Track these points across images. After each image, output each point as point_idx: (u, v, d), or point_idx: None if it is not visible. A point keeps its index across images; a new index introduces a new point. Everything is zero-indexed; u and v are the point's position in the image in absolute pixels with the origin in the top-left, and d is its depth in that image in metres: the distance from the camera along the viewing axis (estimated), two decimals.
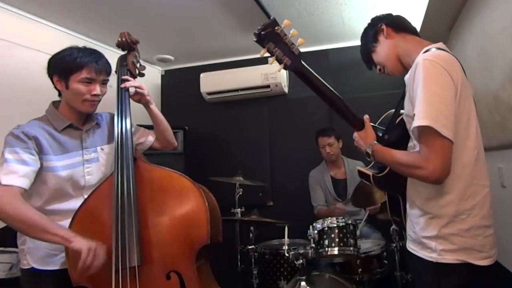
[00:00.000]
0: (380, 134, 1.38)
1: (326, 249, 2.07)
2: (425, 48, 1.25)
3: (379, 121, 1.47)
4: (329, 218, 2.15)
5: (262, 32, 1.21)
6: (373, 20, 1.45)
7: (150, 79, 3.83)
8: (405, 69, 1.36)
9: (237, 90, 3.52)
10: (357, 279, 2.27)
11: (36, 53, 2.32)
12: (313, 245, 2.11)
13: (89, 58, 1.50)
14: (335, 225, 2.10)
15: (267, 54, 1.26)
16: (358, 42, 1.52)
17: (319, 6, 2.70)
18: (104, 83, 1.57)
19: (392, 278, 2.32)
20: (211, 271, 1.57)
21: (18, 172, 1.35)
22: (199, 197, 1.45)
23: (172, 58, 3.66)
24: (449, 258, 1.15)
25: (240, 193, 2.69)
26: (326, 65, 3.44)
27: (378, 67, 1.45)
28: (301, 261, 2.08)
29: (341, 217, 2.15)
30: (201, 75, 3.61)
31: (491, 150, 2.02)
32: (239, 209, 2.63)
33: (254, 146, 3.59)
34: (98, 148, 1.61)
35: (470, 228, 1.15)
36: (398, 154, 1.24)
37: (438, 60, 1.14)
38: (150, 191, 1.49)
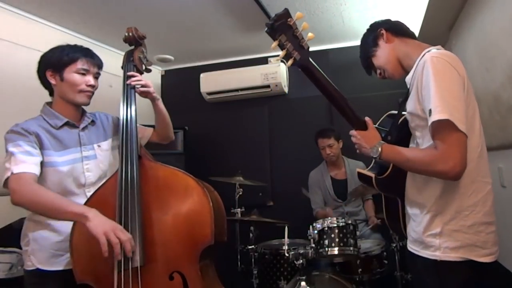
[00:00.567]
0: (383, 135, 1.37)
1: (326, 249, 2.07)
2: (426, 50, 1.26)
3: (379, 122, 1.47)
4: (329, 218, 2.15)
5: (276, 23, 1.17)
6: (372, 25, 1.46)
7: (150, 79, 3.77)
8: (405, 71, 1.37)
9: (237, 90, 3.52)
10: (357, 279, 2.27)
11: (36, 53, 2.29)
12: (313, 245, 2.11)
13: (82, 52, 1.54)
14: (335, 225, 2.10)
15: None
16: (358, 42, 1.52)
17: (319, 6, 2.70)
18: (96, 76, 1.59)
19: (392, 278, 2.32)
20: (215, 271, 1.56)
21: (27, 161, 1.37)
22: (204, 196, 1.44)
23: (172, 58, 3.65)
24: (452, 256, 1.15)
25: (240, 193, 2.69)
26: (326, 65, 3.42)
27: (379, 71, 1.45)
28: (301, 261, 2.07)
29: (341, 217, 2.15)
30: (201, 75, 3.60)
31: (491, 150, 2.01)
32: (239, 209, 2.63)
33: (254, 146, 3.59)
34: (95, 145, 1.61)
35: (473, 225, 1.15)
36: (411, 152, 1.23)
37: (445, 57, 1.16)
38: (154, 189, 1.48)
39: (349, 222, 2.13)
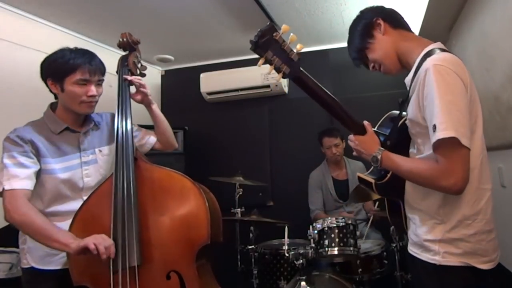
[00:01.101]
0: (382, 139, 1.34)
1: (326, 249, 2.07)
2: (427, 49, 1.21)
3: (379, 124, 1.44)
4: (329, 218, 2.15)
5: (260, 40, 1.14)
6: (365, 13, 1.36)
7: (150, 79, 3.82)
8: (403, 67, 1.32)
9: (237, 90, 3.52)
10: (357, 279, 2.27)
11: (36, 53, 2.32)
12: (313, 245, 2.10)
13: (82, 59, 1.48)
14: (335, 225, 2.10)
15: (264, 64, 1.21)
16: None
17: (319, 6, 2.70)
18: (99, 83, 1.55)
19: (392, 278, 2.32)
20: (212, 271, 1.57)
21: (19, 175, 1.36)
22: (200, 197, 1.45)
23: (172, 58, 3.66)
24: (453, 261, 1.13)
25: (240, 193, 2.69)
26: (326, 65, 3.44)
27: (372, 64, 1.36)
28: (301, 261, 2.08)
29: (341, 217, 2.15)
30: (201, 75, 3.61)
31: (491, 150, 2.01)
32: (239, 209, 2.63)
33: (254, 146, 3.59)
34: (96, 150, 1.60)
35: (475, 233, 1.13)
36: (413, 163, 1.19)
37: (448, 64, 1.10)
38: (150, 191, 1.49)
39: (349, 222, 2.13)
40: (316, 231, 2.12)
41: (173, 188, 1.49)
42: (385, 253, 2.36)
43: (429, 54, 1.18)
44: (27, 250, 1.48)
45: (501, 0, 1.86)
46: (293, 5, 2.65)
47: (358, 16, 1.38)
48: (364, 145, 1.31)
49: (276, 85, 3.43)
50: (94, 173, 1.57)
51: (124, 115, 1.58)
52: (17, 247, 1.55)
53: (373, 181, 1.36)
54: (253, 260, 2.51)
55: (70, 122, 1.54)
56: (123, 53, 1.74)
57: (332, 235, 2.09)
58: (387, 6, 1.39)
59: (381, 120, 1.46)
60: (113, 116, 1.69)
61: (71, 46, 1.55)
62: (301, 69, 1.22)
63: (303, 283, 1.99)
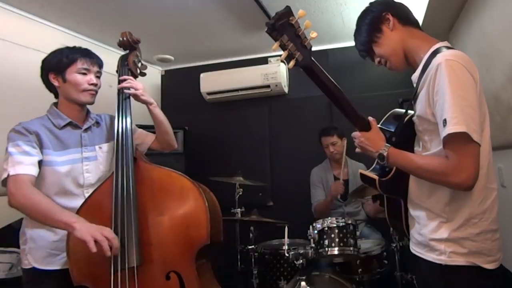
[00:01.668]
0: (387, 136, 1.32)
1: (326, 249, 2.07)
2: (434, 47, 1.20)
3: (383, 120, 1.42)
4: (329, 218, 2.15)
5: (277, 23, 1.10)
6: (374, 5, 1.33)
7: (150, 79, 3.82)
8: (410, 65, 1.30)
9: (237, 90, 3.52)
10: (357, 279, 2.27)
11: (36, 53, 2.31)
12: (313, 245, 2.11)
13: (81, 53, 1.57)
14: (335, 225, 2.10)
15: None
16: None
17: (319, 6, 2.70)
18: (98, 76, 1.61)
19: (392, 278, 2.32)
20: (212, 271, 1.57)
21: (23, 162, 1.39)
22: (199, 197, 1.45)
23: (172, 58, 3.65)
24: (459, 261, 1.13)
25: (240, 193, 2.69)
26: (326, 65, 3.36)
27: (378, 59, 1.35)
28: (301, 261, 2.08)
29: (341, 217, 2.15)
30: (201, 75, 3.60)
31: (491, 150, 2.02)
32: (239, 209, 2.63)
33: (254, 146, 3.59)
34: (97, 146, 1.62)
35: (480, 233, 1.13)
36: (422, 160, 1.18)
37: (459, 60, 1.10)
38: (150, 190, 1.49)
39: (349, 222, 2.13)
40: (316, 231, 2.12)
41: (172, 188, 1.49)
42: (385, 253, 2.35)
43: (437, 51, 1.17)
44: (28, 251, 1.48)
45: (500, 0, 1.86)
46: (293, 5, 2.62)
47: (367, 8, 1.35)
48: (370, 142, 1.28)
49: (276, 85, 3.42)
50: (94, 169, 1.59)
51: (123, 114, 1.59)
52: (18, 247, 1.56)
53: (376, 177, 1.33)
54: (253, 260, 2.51)
55: (73, 117, 1.58)
56: (123, 53, 1.75)
57: (332, 235, 2.09)
58: None
59: (384, 118, 1.43)
60: (111, 117, 1.72)
61: (71, 46, 1.57)
62: (312, 58, 1.20)
63: (303, 283, 1.99)
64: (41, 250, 1.47)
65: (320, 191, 3.00)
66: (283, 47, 1.15)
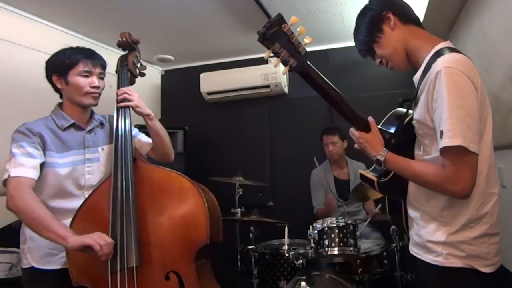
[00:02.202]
0: (386, 137, 1.30)
1: (326, 249, 2.07)
2: (436, 48, 1.18)
3: (383, 121, 1.41)
4: (329, 218, 2.15)
5: (268, 32, 1.11)
6: (374, 3, 1.30)
7: (150, 79, 3.82)
8: (411, 64, 1.28)
9: (237, 90, 3.52)
10: (357, 279, 2.27)
11: (36, 53, 2.32)
12: (313, 245, 2.11)
13: (83, 54, 1.56)
14: (335, 225, 2.10)
15: (270, 56, 1.18)
16: None
17: (319, 6, 2.70)
18: (101, 77, 1.60)
19: (392, 278, 2.32)
20: (212, 271, 1.57)
21: (26, 164, 1.39)
22: (198, 197, 1.45)
23: (172, 58, 3.65)
24: (456, 263, 1.12)
25: (240, 193, 2.69)
26: (326, 65, 3.43)
27: (379, 59, 1.33)
28: (301, 261, 2.08)
29: (341, 217, 2.15)
30: (201, 75, 3.60)
31: (493, 153, 2.02)
32: (239, 209, 2.63)
33: (254, 146, 3.59)
34: (100, 148, 1.62)
35: (478, 236, 1.12)
36: (419, 167, 1.17)
37: (459, 67, 1.08)
38: (149, 191, 1.49)
39: (349, 222, 2.13)
40: (316, 231, 2.12)
41: (172, 188, 1.49)
42: (385, 253, 2.35)
43: (438, 53, 1.15)
44: (28, 250, 1.48)
45: (501, 0, 1.86)
46: (293, 5, 2.65)
47: (366, 6, 1.32)
48: (368, 144, 1.27)
49: (276, 85, 3.43)
50: (96, 171, 1.58)
51: (123, 115, 1.59)
52: (18, 247, 1.56)
53: (375, 179, 1.33)
54: (253, 260, 2.51)
55: (77, 118, 1.58)
56: (123, 53, 1.75)
57: (332, 235, 2.09)
58: None
59: (386, 117, 1.42)
60: (112, 117, 1.69)
61: (75, 46, 1.57)
62: (308, 62, 1.19)
63: (303, 283, 1.99)
64: (40, 249, 1.47)
65: (321, 193, 3.00)
66: (276, 54, 1.15)
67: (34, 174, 1.40)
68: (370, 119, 1.31)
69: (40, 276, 1.47)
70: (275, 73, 3.39)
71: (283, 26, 1.13)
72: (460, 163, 1.06)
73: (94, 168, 1.58)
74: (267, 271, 2.50)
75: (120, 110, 1.60)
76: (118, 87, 1.65)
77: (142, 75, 1.78)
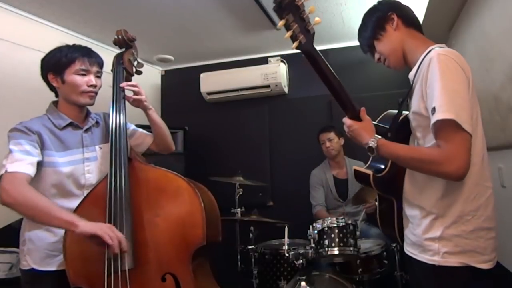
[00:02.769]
0: (383, 131, 1.32)
1: (326, 249, 2.07)
2: (430, 48, 1.23)
3: (378, 119, 1.44)
4: (329, 218, 2.15)
5: (284, 1, 1.13)
6: (381, 4, 1.38)
7: (150, 79, 3.83)
8: (407, 65, 1.33)
9: (237, 90, 3.52)
10: (357, 279, 2.27)
11: (36, 53, 2.30)
12: (313, 245, 2.10)
13: (80, 52, 1.53)
14: (335, 225, 2.10)
15: (283, 27, 1.18)
16: (358, 42, 1.50)
17: (319, 6, 2.70)
18: (98, 75, 1.58)
19: (392, 278, 2.32)
20: (211, 271, 1.56)
21: (23, 160, 1.37)
22: (195, 197, 1.44)
23: (172, 58, 3.65)
24: (452, 261, 1.13)
25: (240, 193, 2.68)
26: None
27: (378, 56, 1.39)
28: (301, 261, 2.08)
29: (341, 217, 2.15)
30: (201, 75, 3.60)
31: (491, 150, 2.01)
32: (239, 209, 2.63)
33: (254, 146, 3.59)
34: (97, 147, 1.61)
35: (473, 230, 1.13)
36: (412, 150, 1.20)
37: (452, 55, 1.13)
38: (145, 191, 1.48)
39: (349, 222, 2.13)
40: (316, 231, 2.12)
41: (168, 189, 1.48)
42: (385, 253, 2.35)
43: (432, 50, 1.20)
44: (27, 252, 1.47)
45: (501, 0, 1.86)
46: None
47: (374, 6, 1.40)
48: (359, 131, 1.28)
49: (276, 85, 3.43)
50: (95, 169, 1.58)
51: (118, 114, 1.57)
52: (17, 247, 1.55)
53: (370, 173, 1.33)
54: (253, 260, 2.51)
55: (73, 117, 1.56)
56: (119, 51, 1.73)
57: (332, 235, 2.09)
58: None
59: (379, 117, 1.45)
60: (107, 115, 1.70)
61: (71, 44, 1.56)
62: (314, 45, 1.22)
63: (303, 283, 1.99)
64: (40, 251, 1.46)
65: (320, 193, 3.00)
66: (287, 27, 1.17)
67: (31, 170, 1.38)
68: (362, 109, 1.32)
69: (40, 277, 1.46)
70: (275, 73, 3.39)
71: (297, 0, 1.15)
72: (454, 140, 1.06)
73: (93, 167, 1.57)
74: (267, 271, 2.50)
75: (116, 107, 1.58)
76: (114, 86, 1.63)
77: (139, 73, 1.76)
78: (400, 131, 1.31)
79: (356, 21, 3.08)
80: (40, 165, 1.43)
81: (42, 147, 1.45)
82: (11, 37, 2.34)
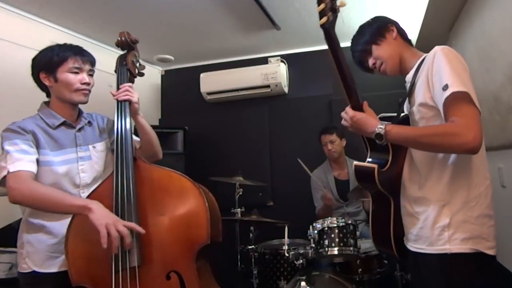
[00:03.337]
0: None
1: (326, 249, 2.07)
2: (425, 55, 1.31)
3: None
4: (329, 218, 2.16)
5: None
6: (380, 18, 1.48)
7: (150, 79, 3.83)
8: (400, 73, 1.42)
9: (237, 90, 3.52)
10: (357, 279, 2.26)
11: (36, 53, 2.32)
12: (313, 245, 2.11)
13: (72, 51, 1.53)
14: (335, 225, 2.10)
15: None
16: None
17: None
18: (90, 74, 1.58)
19: (392, 278, 2.32)
20: (211, 271, 1.57)
21: (23, 159, 1.37)
22: (199, 197, 1.45)
23: (172, 58, 3.66)
24: (464, 248, 1.16)
25: (240, 193, 2.68)
26: (326, 65, 3.43)
27: (373, 61, 1.44)
28: (301, 261, 2.08)
29: (341, 217, 2.15)
30: (201, 75, 3.61)
31: (491, 150, 2.02)
32: (239, 209, 2.63)
33: (254, 146, 3.59)
34: (90, 146, 1.61)
35: (478, 216, 1.18)
36: (422, 128, 1.24)
37: (454, 50, 1.21)
38: (150, 191, 1.48)
39: (349, 222, 2.13)
40: (316, 231, 2.12)
41: (172, 188, 1.49)
42: (385, 253, 2.35)
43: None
44: (26, 255, 1.46)
45: (501, 0, 1.87)
46: (293, 5, 2.64)
47: (374, 18, 1.49)
48: (365, 120, 1.27)
49: (276, 85, 3.43)
50: (89, 169, 1.57)
51: (123, 115, 1.58)
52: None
53: (375, 166, 1.29)
54: (253, 260, 2.51)
55: (66, 116, 1.56)
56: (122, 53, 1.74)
57: (332, 235, 2.09)
58: (386, 7, 1.44)
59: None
60: (102, 117, 1.72)
61: (62, 43, 1.56)
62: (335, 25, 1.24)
63: (303, 283, 1.99)
64: (40, 253, 1.45)
65: (322, 193, 2.99)
66: (319, 1, 1.20)
67: (33, 167, 1.38)
68: (365, 102, 1.33)
69: (40, 279, 1.45)
70: (275, 73, 3.39)
71: None
72: (468, 113, 1.10)
73: (87, 167, 1.57)
74: (267, 271, 2.50)
75: (120, 109, 1.59)
76: (118, 87, 1.64)
77: (141, 74, 1.77)
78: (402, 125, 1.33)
79: (356, 21, 3.07)
80: (37, 163, 1.43)
81: (37, 146, 1.44)
82: (11, 37, 2.34)
